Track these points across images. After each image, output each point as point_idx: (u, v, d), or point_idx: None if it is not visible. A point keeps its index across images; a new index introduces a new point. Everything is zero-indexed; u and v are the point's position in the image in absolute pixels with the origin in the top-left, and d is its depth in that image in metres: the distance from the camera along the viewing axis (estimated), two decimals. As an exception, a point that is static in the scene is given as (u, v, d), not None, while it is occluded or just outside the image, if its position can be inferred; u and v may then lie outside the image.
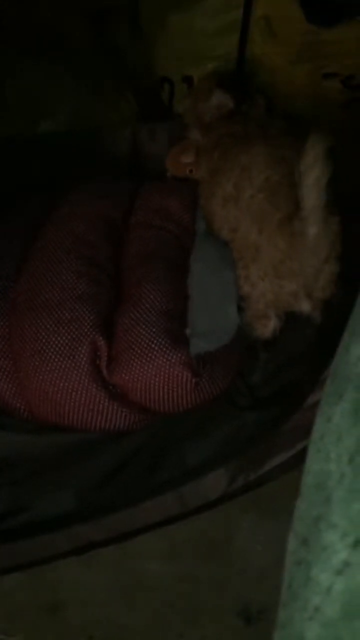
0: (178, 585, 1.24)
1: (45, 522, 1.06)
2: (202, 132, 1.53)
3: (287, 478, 1.16)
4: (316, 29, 1.53)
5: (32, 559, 1.09)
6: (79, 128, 1.65)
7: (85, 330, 1.18)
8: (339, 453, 0.44)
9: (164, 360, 1.13)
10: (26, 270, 1.33)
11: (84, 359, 1.16)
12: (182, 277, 1.33)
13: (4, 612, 1.19)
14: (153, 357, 1.14)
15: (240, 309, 1.28)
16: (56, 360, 1.16)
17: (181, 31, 1.60)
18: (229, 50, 1.63)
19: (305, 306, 1.22)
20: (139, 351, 1.15)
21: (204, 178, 1.46)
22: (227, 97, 1.50)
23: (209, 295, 1.31)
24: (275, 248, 1.17)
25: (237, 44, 1.61)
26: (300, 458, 1.08)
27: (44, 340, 1.18)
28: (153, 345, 1.15)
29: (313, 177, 1.02)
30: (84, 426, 1.16)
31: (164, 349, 1.14)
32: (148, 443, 1.14)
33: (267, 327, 1.26)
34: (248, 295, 1.27)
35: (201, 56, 1.63)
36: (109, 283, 1.31)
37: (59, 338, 1.18)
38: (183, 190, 1.56)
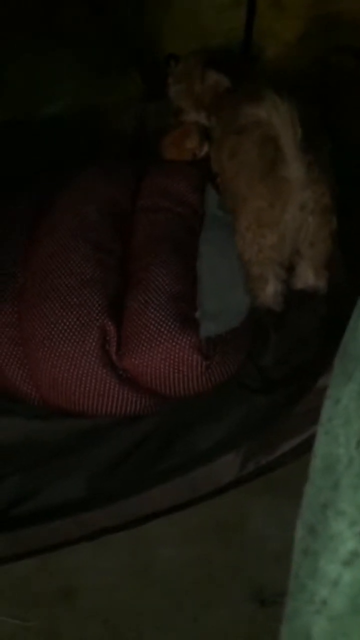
0: (192, 569, 1.23)
1: (56, 509, 1.06)
2: (207, 114, 1.52)
3: (302, 461, 1.14)
4: (326, 1, 1.49)
5: (44, 546, 1.09)
6: (82, 109, 1.62)
7: (94, 315, 1.17)
8: (347, 436, 0.42)
9: (174, 343, 1.12)
10: (33, 255, 1.32)
11: (93, 344, 1.15)
12: (191, 259, 1.31)
13: (19, 599, 1.19)
14: (162, 340, 1.12)
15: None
16: (65, 345, 1.15)
17: (187, 6, 1.57)
18: (236, 25, 1.59)
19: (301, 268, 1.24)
20: (148, 335, 1.13)
21: (216, 132, 1.48)
22: (221, 76, 1.48)
23: (218, 278, 1.29)
24: (259, 196, 1.20)
25: (244, 18, 1.57)
26: (312, 442, 1.06)
27: (52, 326, 1.17)
28: (162, 329, 1.13)
29: (283, 117, 1.09)
30: (94, 411, 1.15)
31: (174, 333, 1.13)
32: (158, 428, 1.13)
33: (266, 292, 1.26)
34: (242, 253, 1.28)
35: (208, 31, 1.60)
36: (117, 267, 1.30)
37: (67, 323, 1.17)
38: (190, 171, 1.53)
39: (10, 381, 1.20)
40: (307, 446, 1.10)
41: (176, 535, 1.26)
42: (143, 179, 1.54)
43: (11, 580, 1.20)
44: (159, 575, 1.23)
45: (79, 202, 1.42)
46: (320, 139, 1.23)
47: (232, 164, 1.32)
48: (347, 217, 1.24)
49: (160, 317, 1.16)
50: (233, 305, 1.24)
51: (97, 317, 1.17)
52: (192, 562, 1.24)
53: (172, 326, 1.14)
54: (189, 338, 1.13)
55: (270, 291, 1.25)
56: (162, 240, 1.34)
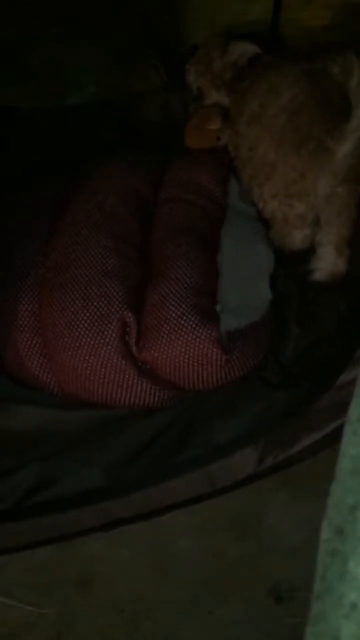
0: (208, 562, 1.23)
1: (73, 498, 1.06)
2: (227, 91, 1.50)
3: (320, 456, 1.14)
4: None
5: (60, 534, 1.09)
6: (106, 99, 1.62)
7: (114, 306, 1.17)
8: (377, 437, 0.41)
9: (194, 336, 1.11)
10: (55, 245, 1.32)
11: (113, 335, 1.15)
12: (212, 252, 1.30)
13: (36, 586, 1.20)
14: (182, 333, 1.12)
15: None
16: (85, 336, 1.15)
17: (213, -5, 1.55)
18: (262, 15, 1.57)
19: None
20: (168, 328, 1.13)
21: (235, 99, 1.46)
22: (247, 44, 1.47)
23: (240, 271, 1.28)
24: (291, 167, 1.21)
25: (271, 8, 1.55)
26: (333, 438, 1.05)
27: (72, 316, 1.17)
28: (182, 322, 1.13)
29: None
30: (112, 402, 1.15)
31: (194, 326, 1.12)
32: (177, 420, 1.13)
33: (294, 236, 1.29)
34: (262, 210, 1.31)
35: (234, 21, 1.57)
36: (138, 258, 1.29)
37: (88, 314, 1.16)
38: (214, 163, 1.52)
39: (30, 370, 1.21)
40: (326, 442, 1.09)
41: (193, 527, 1.26)
42: (166, 170, 1.53)
43: (27, 567, 1.21)
44: (175, 566, 1.23)
45: (101, 193, 1.41)
46: None
47: (253, 130, 1.32)
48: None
49: (181, 310, 1.15)
50: (254, 299, 1.23)
51: (117, 309, 1.17)
52: (208, 554, 1.24)
53: (192, 319, 1.13)
54: (209, 331, 1.12)
55: (298, 236, 1.28)
56: (183, 233, 1.33)
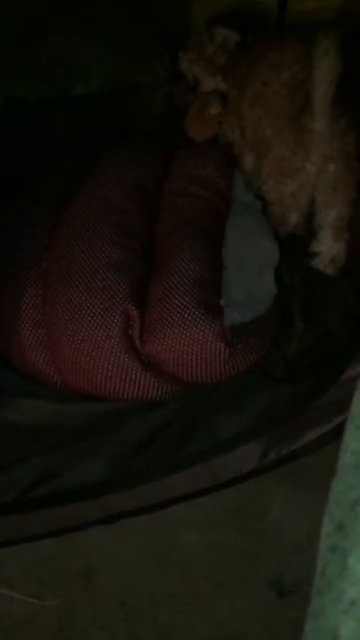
0: (211, 555, 1.24)
1: (76, 491, 1.06)
2: (223, 76, 1.48)
3: (324, 450, 1.13)
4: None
5: (63, 527, 1.10)
6: (112, 90, 1.61)
7: (118, 299, 1.17)
8: (379, 432, 0.41)
9: (197, 330, 1.11)
10: (59, 238, 1.31)
11: (117, 328, 1.14)
12: (217, 245, 1.30)
13: (39, 578, 1.21)
14: (186, 327, 1.11)
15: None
16: (89, 329, 1.15)
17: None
18: (268, 5, 1.55)
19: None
20: (171, 321, 1.13)
21: (235, 83, 1.45)
22: (228, 31, 1.46)
23: (244, 265, 1.28)
24: (283, 144, 1.22)
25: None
26: (336, 433, 1.05)
27: (76, 310, 1.17)
28: (186, 316, 1.12)
29: (323, 69, 1.07)
30: (116, 396, 1.15)
31: (197, 320, 1.12)
32: (180, 414, 1.13)
33: (289, 221, 1.30)
34: (266, 194, 1.32)
35: (240, 13, 1.56)
36: (142, 252, 1.29)
37: (91, 307, 1.16)
38: (218, 156, 1.51)
39: (33, 364, 1.21)
40: (329, 437, 1.08)
41: (196, 520, 1.27)
42: (171, 163, 1.52)
43: (30, 560, 1.22)
44: (177, 559, 1.23)
45: (105, 186, 1.41)
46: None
47: (257, 110, 1.31)
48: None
49: (184, 303, 1.15)
50: (259, 293, 1.23)
51: (121, 302, 1.17)
52: (210, 548, 1.24)
53: (196, 313, 1.13)
54: (213, 325, 1.12)
55: (293, 220, 1.29)
56: (188, 226, 1.32)
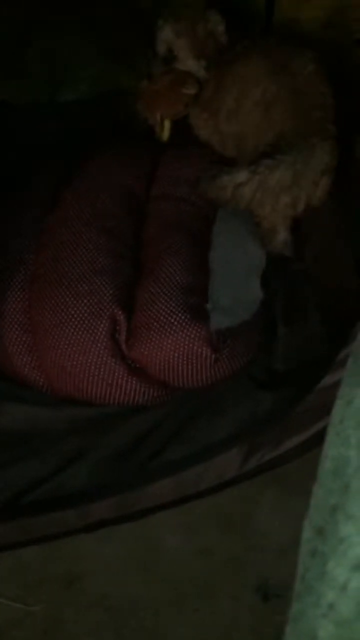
0: (195, 559, 1.23)
1: (61, 498, 1.06)
2: (207, 64, 1.43)
3: (309, 455, 1.14)
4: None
5: (45, 535, 1.09)
6: (100, 95, 1.61)
7: (105, 304, 1.17)
8: (359, 438, 0.41)
9: (183, 335, 1.11)
10: (46, 242, 1.31)
11: (103, 332, 1.14)
12: (204, 250, 1.30)
13: (23, 583, 1.20)
14: (172, 332, 1.12)
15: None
16: (75, 333, 1.15)
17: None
18: (257, 14, 1.56)
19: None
20: (158, 326, 1.13)
21: (207, 97, 1.43)
22: (219, 17, 1.41)
23: (231, 269, 1.28)
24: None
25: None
26: (318, 439, 1.05)
27: (63, 314, 1.17)
28: (172, 320, 1.13)
29: None
30: (102, 400, 1.15)
31: (183, 324, 1.12)
32: (164, 421, 1.13)
33: (277, 239, 1.34)
34: (254, 210, 1.33)
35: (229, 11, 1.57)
36: (129, 256, 1.29)
37: (77, 311, 1.16)
38: (206, 159, 1.51)
39: (19, 368, 1.20)
40: (311, 444, 1.09)
41: (180, 525, 1.26)
42: (158, 166, 1.52)
43: (15, 565, 1.21)
44: (162, 564, 1.23)
45: (93, 189, 1.41)
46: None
47: (234, 126, 1.35)
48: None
49: (171, 308, 1.15)
50: (245, 298, 1.23)
51: (108, 306, 1.17)
52: (195, 552, 1.24)
53: (182, 317, 1.13)
54: (199, 330, 1.12)
55: (280, 238, 1.32)
56: (175, 230, 1.33)
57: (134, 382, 1.14)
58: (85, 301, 1.17)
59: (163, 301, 1.16)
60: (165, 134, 1.51)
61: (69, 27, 1.55)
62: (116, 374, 1.13)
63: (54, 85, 1.60)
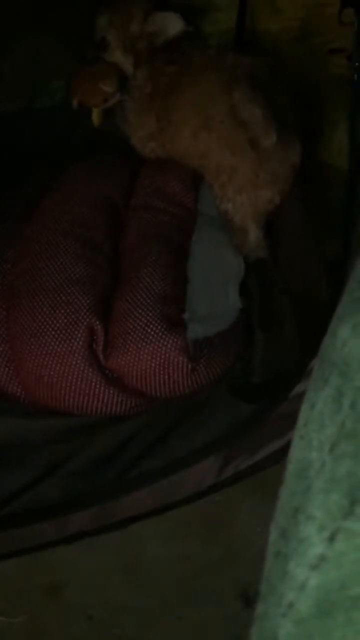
0: (178, 567, 1.24)
1: (35, 510, 1.05)
2: (135, 61, 1.43)
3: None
4: (322, 3, 1.48)
5: (22, 547, 1.08)
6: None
7: (82, 314, 1.17)
8: (320, 441, 0.42)
9: (160, 345, 1.12)
10: (23, 252, 1.31)
11: (80, 342, 1.15)
12: (182, 260, 1.31)
13: (4, 594, 1.20)
14: (149, 342, 1.12)
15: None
16: (52, 343, 1.15)
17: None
18: (231, 26, 1.59)
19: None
20: (134, 336, 1.13)
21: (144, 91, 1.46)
22: (173, 17, 1.38)
23: (209, 279, 1.29)
24: (250, 164, 1.31)
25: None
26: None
27: (40, 324, 1.17)
28: (149, 330, 1.13)
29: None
30: (80, 410, 1.15)
31: (160, 334, 1.13)
32: (141, 430, 1.13)
33: (249, 239, 1.37)
34: (226, 212, 1.38)
35: (203, 31, 1.59)
36: (107, 266, 1.30)
37: (55, 322, 1.16)
38: (185, 170, 1.52)
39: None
40: (286, 450, 1.10)
41: (162, 532, 1.27)
42: (137, 176, 1.53)
43: (-4, 576, 1.21)
44: (144, 572, 1.23)
45: (71, 199, 1.42)
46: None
47: (203, 139, 1.38)
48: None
49: (147, 318, 1.15)
50: (223, 308, 1.24)
51: (85, 316, 1.17)
52: (177, 559, 1.25)
53: (159, 327, 1.14)
54: (175, 340, 1.13)
55: (252, 238, 1.36)
56: (153, 240, 1.33)
57: (111, 392, 1.14)
58: (62, 311, 1.17)
59: (140, 311, 1.16)
60: (95, 120, 1.54)
61: (43, 35, 1.55)
62: (93, 384, 1.14)
63: (29, 93, 1.60)
